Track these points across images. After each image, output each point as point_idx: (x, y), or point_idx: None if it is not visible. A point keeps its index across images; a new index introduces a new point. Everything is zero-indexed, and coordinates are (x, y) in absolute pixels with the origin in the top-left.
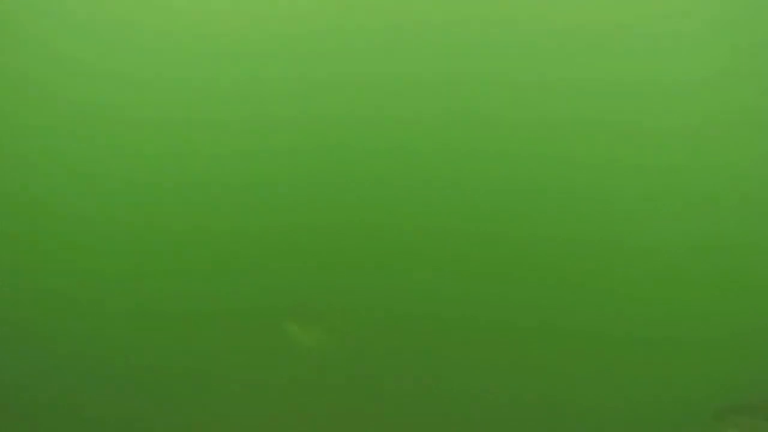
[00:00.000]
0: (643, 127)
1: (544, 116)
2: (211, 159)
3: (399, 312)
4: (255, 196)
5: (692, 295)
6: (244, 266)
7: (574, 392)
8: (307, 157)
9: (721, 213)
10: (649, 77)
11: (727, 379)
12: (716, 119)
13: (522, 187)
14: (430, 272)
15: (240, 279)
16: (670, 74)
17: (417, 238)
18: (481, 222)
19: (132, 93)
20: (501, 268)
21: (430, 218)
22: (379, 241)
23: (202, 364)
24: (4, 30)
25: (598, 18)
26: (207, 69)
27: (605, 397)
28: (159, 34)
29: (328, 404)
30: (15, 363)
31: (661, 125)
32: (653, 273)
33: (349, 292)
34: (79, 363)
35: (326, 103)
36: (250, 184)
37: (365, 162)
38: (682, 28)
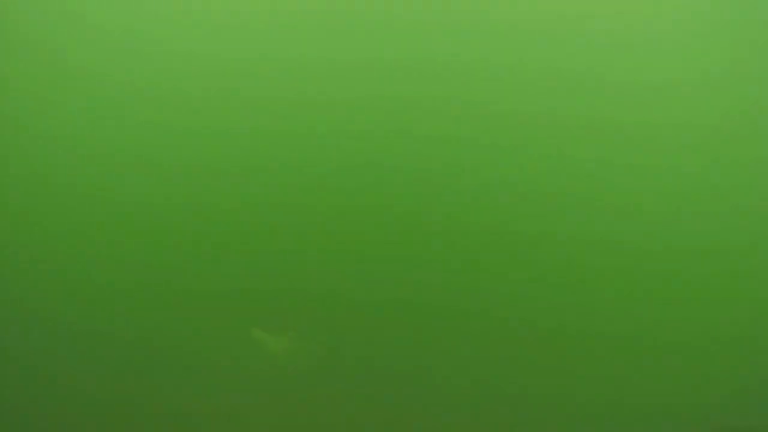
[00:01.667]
0: (648, 127)
1: (548, 115)
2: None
3: (391, 303)
4: (253, 179)
5: (694, 297)
6: (241, 249)
7: (573, 389)
8: (300, 142)
9: (723, 215)
10: (652, 78)
11: (726, 381)
12: (718, 120)
13: (523, 185)
14: (421, 266)
15: (237, 261)
16: (674, 76)
17: (412, 232)
18: (480, 218)
19: (137, 70)
20: (500, 266)
21: (427, 211)
22: (373, 232)
23: (196, 343)
24: (38, 5)
25: (601, 19)
26: (247, 43)
27: (603, 395)
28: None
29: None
30: (16, 340)
31: (664, 126)
32: (656, 274)
33: (336, 280)
34: (83, 342)
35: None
36: (248, 167)
37: (363, 151)
38: (684, 30)
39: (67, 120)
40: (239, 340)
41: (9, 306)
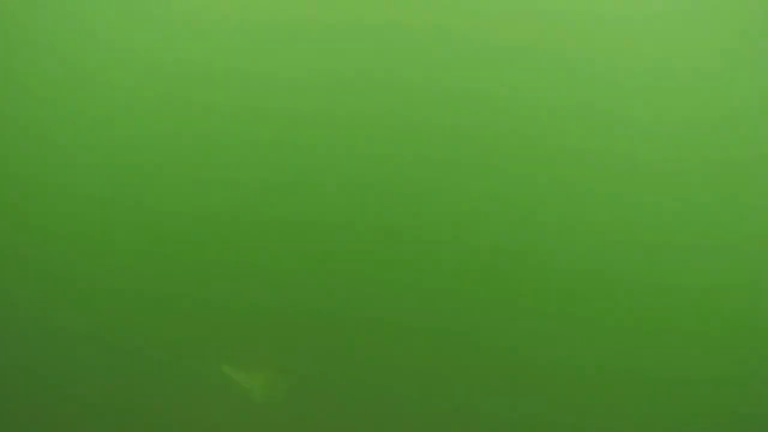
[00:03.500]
0: (653, 161)
1: (554, 143)
2: (224, 149)
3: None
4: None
5: (694, 331)
6: (243, 260)
7: (568, 420)
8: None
9: (728, 253)
10: (662, 115)
11: (725, 413)
12: (729, 159)
13: (523, 214)
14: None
15: (239, 273)
16: (683, 113)
17: (408, 253)
18: (479, 245)
19: (138, 78)
20: (499, 293)
21: (425, 233)
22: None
23: (197, 357)
24: (38, 8)
25: (617, 54)
26: (238, 54)
27: (600, 427)
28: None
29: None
30: (16, 346)
31: (672, 162)
32: (658, 309)
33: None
34: (81, 346)
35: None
36: (249, 175)
37: (358, 167)
38: (703, 68)
39: (70, 126)
40: (236, 353)
41: (9, 310)
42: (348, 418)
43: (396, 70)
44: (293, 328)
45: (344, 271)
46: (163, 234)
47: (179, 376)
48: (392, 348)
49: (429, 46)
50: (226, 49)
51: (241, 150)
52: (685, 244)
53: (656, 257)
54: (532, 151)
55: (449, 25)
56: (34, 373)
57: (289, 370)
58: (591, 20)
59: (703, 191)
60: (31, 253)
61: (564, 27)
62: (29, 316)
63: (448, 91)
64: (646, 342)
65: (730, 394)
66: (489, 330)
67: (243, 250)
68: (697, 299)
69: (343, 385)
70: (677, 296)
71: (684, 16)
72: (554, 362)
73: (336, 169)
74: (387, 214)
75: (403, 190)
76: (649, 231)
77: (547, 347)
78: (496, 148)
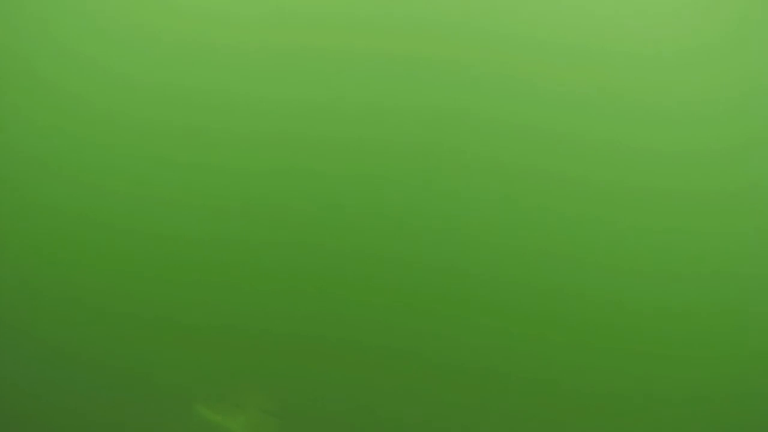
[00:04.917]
0: (653, 190)
1: (555, 172)
2: (215, 172)
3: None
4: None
5: (690, 355)
6: (243, 281)
7: None
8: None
9: (724, 280)
10: (663, 144)
11: None
12: (727, 189)
13: (518, 240)
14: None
15: (240, 295)
16: (683, 143)
17: (406, 282)
18: (477, 272)
19: (136, 97)
20: (498, 320)
21: (423, 260)
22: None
23: (195, 378)
24: (16, 26)
25: (620, 85)
26: (219, 78)
27: None
28: (172, 39)
29: None
30: (13, 365)
31: (672, 190)
32: (653, 332)
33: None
34: (77, 367)
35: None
36: (247, 195)
37: (355, 191)
38: (705, 99)
39: (69, 151)
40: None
41: (11, 327)
42: None
43: (392, 98)
44: (288, 353)
45: (336, 297)
46: (153, 257)
47: (168, 397)
48: (386, 375)
49: (430, 75)
50: (229, 78)
51: (233, 174)
52: (683, 271)
53: (656, 285)
54: (535, 179)
55: (448, 56)
56: (28, 388)
57: (281, 395)
58: (597, 56)
59: (703, 220)
60: (21, 271)
61: (569, 61)
62: (24, 334)
63: (447, 118)
64: (652, 366)
65: (724, 414)
66: (483, 353)
67: (234, 274)
68: (696, 324)
69: (335, 413)
70: (681, 322)
71: (687, 52)
72: (559, 387)
73: (328, 195)
74: (384, 238)
75: (397, 215)
76: (652, 258)
77: (550, 373)
78: (502, 177)
